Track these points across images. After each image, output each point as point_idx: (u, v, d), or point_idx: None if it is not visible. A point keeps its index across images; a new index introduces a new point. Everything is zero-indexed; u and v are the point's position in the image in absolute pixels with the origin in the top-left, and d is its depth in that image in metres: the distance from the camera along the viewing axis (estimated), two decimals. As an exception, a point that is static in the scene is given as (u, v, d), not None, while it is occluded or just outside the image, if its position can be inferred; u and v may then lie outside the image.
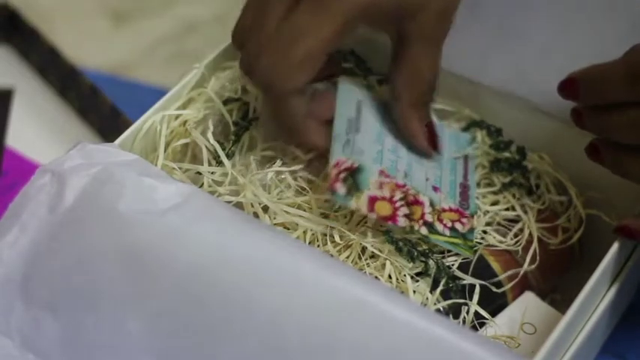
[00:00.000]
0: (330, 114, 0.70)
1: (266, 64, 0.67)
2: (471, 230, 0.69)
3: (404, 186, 0.68)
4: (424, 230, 0.68)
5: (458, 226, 0.69)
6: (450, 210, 0.69)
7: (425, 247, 0.71)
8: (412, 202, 0.68)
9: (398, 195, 0.67)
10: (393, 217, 0.67)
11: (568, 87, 0.68)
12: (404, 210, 0.67)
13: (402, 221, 0.67)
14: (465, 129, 0.78)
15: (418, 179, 0.69)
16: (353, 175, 0.67)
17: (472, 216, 0.70)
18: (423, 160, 0.70)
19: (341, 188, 0.66)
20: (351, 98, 0.71)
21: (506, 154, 0.76)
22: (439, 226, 0.68)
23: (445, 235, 0.68)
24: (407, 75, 0.70)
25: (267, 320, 0.61)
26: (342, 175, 0.66)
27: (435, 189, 0.69)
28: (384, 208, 0.67)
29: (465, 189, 0.71)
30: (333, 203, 0.69)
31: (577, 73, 0.68)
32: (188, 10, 1.11)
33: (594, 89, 0.67)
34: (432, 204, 0.69)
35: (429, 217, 0.68)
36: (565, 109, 0.79)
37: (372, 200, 0.66)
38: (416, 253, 0.70)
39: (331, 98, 0.71)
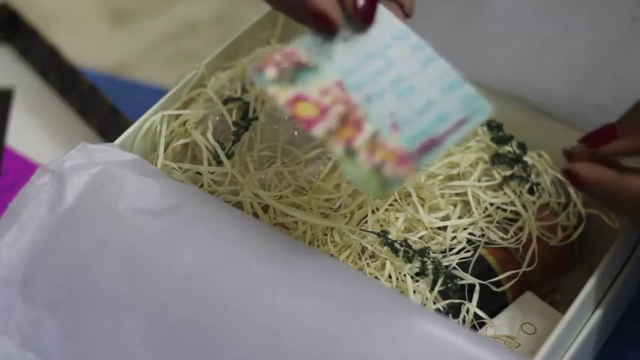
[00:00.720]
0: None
1: None
2: (399, 180, 0.62)
3: (353, 104, 0.63)
4: (338, 150, 0.61)
5: (388, 168, 0.61)
6: (392, 150, 0.62)
7: (421, 246, 0.71)
8: (349, 123, 0.62)
9: (338, 109, 0.62)
10: (310, 122, 0.61)
11: (574, 182, 0.66)
12: (331, 123, 0.62)
13: (318, 130, 0.61)
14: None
15: (380, 108, 0.64)
16: (298, 71, 0.62)
17: (417, 168, 0.63)
18: (408, 97, 0.65)
19: (271, 72, 0.62)
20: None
21: (507, 149, 0.76)
22: (363, 156, 0.61)
23: (361, 168, 0.61)
24: None
25: (266, 320, 0.61)
26: (285, 65, 0.62)
27: (394, 126, 0.63)
28: (306, 110, 0.62)
29: (432, 143, 0.64)
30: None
31: (587, 177, 0.65)
32: (188, 10, 1.12)
33: (602, 197, 0.66)
34: (375, 135, 0.62)
35: (357, 143, 0.62)
36: (565, 109, 0.80)
37: (299, 98, 0.62)
38: (412, 253, 0.70)
39: None
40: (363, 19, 0.64)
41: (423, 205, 0.73)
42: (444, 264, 0.70)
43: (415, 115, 0.64)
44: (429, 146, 0.63)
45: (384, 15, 0.65)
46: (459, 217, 0.73)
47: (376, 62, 0.65)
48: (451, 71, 0.66)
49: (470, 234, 0.73)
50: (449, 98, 0.65)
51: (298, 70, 0.62)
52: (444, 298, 0.69)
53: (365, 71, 0.64)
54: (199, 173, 0.73)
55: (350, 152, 0.62)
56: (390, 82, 0.64)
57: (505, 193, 0.75)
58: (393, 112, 0.63)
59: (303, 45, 0.63)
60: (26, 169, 0.91)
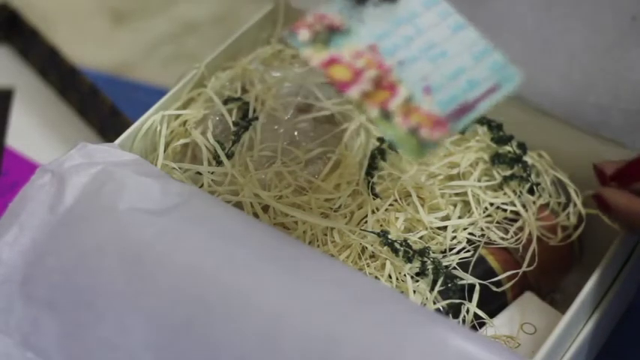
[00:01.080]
0: None
1: None
2: (434, 143, 0.62)
3: (386, 68, 0.63)
4: (374, 112, 0.62)
5: (424, 131, 0.62)
6: (426, 114, 0.63)
7: (421, 246, 0.71)
8: (383, 86, 0.63)
9: (371, 72, 0.63)
10: (344, 84, 0.62)
11: (602, 207, 0.67)
12: (365, 86, 0.62)
13: (353, 92, 0.62)
14: None
15: (413, 73, 0.64)
16: (331, 33, 0.63)
17: (450, 132, 0.63)
18: (441, 64, 0.65)
19: (304, 34, 0.62)
20: None
21: (507, 149, 0.76)
22: (398, 119, 0.62)
23: (398, 130, 0.62)
24: None
25: (266, 320, 0.61)
26: (317, 27, 0.62)
27: (427, 90, 0.64)
28: (340, 72, 0.62)
29: (464, 108, 0.64)
30: (293, 46, 0.65)
31: (616, 205, 0.66)
32: (188, 10, 1.12)
33: (629, 225, 0.67)
34: (408, 99, 0.63)
35: (391, 106, 0.62)
36: (565, 109, 0.80)
37: (333, 60, 0.62)
38: (412, 253, 0.70)
39: None
40: None
41: (423, 205, 0.73)
42: (444, 264, 0.70)
43: (446, 80, 0.64)
44: (462, 111, 0.64)
45: None
46: (459, 217, 0.73)
47: (407, 28, 0.65)
48: (480, 39, 0.66)
49: (470, 234, 0.73)
50: (479, 65, 0.66)
51: (331, 32, 0.63)
52: (444, 298, 0.69)
53: (398, 36, 0.65)
54: (199, 173, 0.73)
55: (385, 115, 0.62)
56: (422, 48, 0.65)
57: (505, 193, 0.75)
58: (426, 76, 0.64)
59: (334, 8, 0.63)
60: (26, 169, 0.91)
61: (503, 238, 0.73)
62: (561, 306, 0.72)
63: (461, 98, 0.64)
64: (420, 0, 0.66)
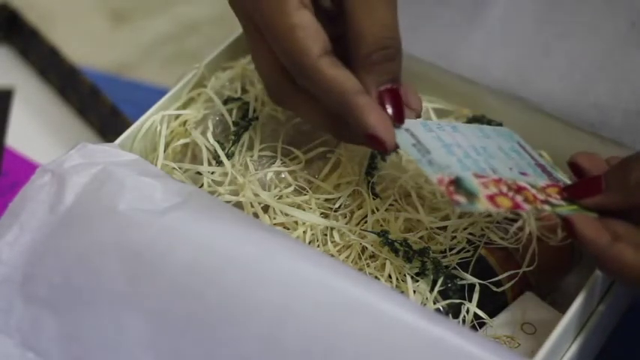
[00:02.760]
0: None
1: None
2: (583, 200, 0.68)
3: (500, 180, 0.67)
4: (547, 207, 0.66)
5: (564, 196, 0.68)
6: (548, 186, 0.68)
7: (421, 246, 0.71)
8: (519, 189, 0.67)
9: (504, 188, 0.67)
10: (517, 206, 0.66)
11: (568, 230, 0.66)
12: (519, 197, 0.66)
13: (527, 208, 0.66)
14: (467, 123, 0.78)
15: (505, 171, 0.68)
16: (460, 185, 0.66)
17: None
18: (495, 154, 0.70)
19: (461, 198, 0.65)
20: (400, 130, 0.69)
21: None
22: (553, 200, 0.67)
23: (563, 206, 0.67)
24: (349, 32, 0.66)
25: (267, 320, 0.61)
26: (452, 188, 0.65)
27: (524, 174, 0.69)
28: (505, 201, 0.66)
29: (543, 167, 0.70)
30: (462, 212, 0.71)
31: (581, 232, 0.65)
32: (188, 10, 1.12)
33: (591, 255, 0.67)
34: (534, 186, 0.68)
35: (540, 196, 0.67)
36: (565, 109, 0.80)
37: (491, 198, 0.65)
38: (412, 253, 0.70)
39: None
40: (399, 120, 0.68)
41: (423, 205, 0.73)
42: (444, 264, 0.70)
43: (510, 160, 0.70)
44: (545, 169, 0.70)
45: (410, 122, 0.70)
46: (459, 217, 0.73)
47: (455, 150, 0.68)
48: (470, 125, 0.72)
49: (470, 234, 0.73)
50: (496, 138, 0.71)
51: (459, 185, 0.65)
52: (444, 298, 0.69)
53: (464, 157, 0.68)
54: (199, 173, 0.73)
55: (549, 204, 0.67)
56: (478, 153, 0.69)
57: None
58: (507, 167, 0.69)
59: (431, 171, 0.66)
60: (26, 169, 0.91)
61: (503, 238, 0.73)
62: (561, 306, 0.72)
63: (532, 162, 0.70)
64: (420, 129, 0.69)
